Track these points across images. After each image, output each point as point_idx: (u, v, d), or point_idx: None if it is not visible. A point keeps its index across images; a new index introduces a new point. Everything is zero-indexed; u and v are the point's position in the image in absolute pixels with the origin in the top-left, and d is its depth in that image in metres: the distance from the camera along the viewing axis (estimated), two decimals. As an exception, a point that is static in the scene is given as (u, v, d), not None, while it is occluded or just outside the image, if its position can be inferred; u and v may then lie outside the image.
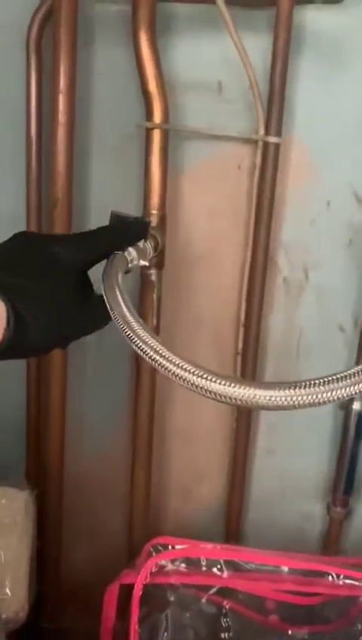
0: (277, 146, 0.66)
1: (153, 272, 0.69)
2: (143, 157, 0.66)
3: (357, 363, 0.72)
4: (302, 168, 0.70)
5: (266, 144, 0.66)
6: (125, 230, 0.50)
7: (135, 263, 0.54)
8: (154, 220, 0.67)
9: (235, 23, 0.61)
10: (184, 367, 0.38)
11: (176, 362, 0.38)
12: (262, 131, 0.66)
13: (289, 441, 0.80)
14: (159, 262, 0.69)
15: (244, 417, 0.77)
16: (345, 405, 0.73)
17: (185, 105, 0.69)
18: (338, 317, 0.74)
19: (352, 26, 0.65)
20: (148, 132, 0.65)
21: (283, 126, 0.67)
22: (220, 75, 0.68)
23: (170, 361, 0.38)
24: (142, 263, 0.55)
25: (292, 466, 0.80)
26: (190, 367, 0.38)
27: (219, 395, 0.37)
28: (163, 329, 0.73)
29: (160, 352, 0.39)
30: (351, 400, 0.73)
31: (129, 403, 0.76)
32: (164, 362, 0.38)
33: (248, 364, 0.74)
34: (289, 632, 0.76)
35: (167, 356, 0.38)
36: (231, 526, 0.82)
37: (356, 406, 0.72)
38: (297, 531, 0.83)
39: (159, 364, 0.38)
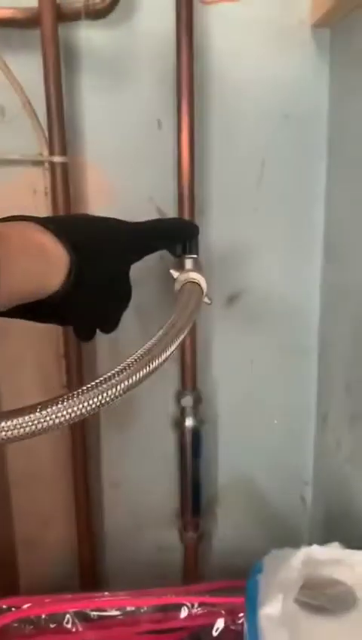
0: (64, 165, 0.64)
1: None
2: None
3: (184, 383, 0.70)
4: (99, 186, 0.68)
5: (53, 164, 0.63)
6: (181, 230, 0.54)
7: None
8: None
9: (1, 44, 0.58)
10: None
11: None
12: (46, 152, 0.63)
13: (133, 471, 0.76)
14: None
15: (80, 452, 0.72)
16: (179, 423, 0.71)
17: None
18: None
19: (124, 41, 0.65)
20: None
21: (73, 145, 0.65)
22: (1, 98, 0.65)
23: None
24: None
25: (141, 497, 0.76)
26: None
27: None
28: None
29: None
30: (183, 417, 0.70)
31: None
32: None
33: (75, 396, 0.70)
34: None
35: None
36: (85, 572, 0.76)
37: (188, 422, 0.70)
38: (158, 565, 0.79)
39: None
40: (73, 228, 0.42)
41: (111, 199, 0.68)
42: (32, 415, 0.32)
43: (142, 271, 0.69)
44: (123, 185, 0.68)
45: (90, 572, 0.76)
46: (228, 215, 0.69)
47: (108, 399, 0.36)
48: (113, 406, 0.36)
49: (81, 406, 0.34)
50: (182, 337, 0.42)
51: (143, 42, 0.65)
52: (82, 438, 0.71)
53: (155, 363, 0.39)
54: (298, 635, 0.46)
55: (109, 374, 0.36)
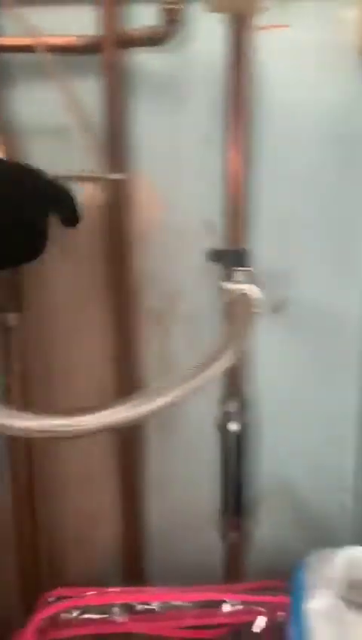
0: (120, 182, 0.68)
1: (12, 316, 0.68)
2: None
3: (229, 389, 0.73)
4: (152, 202, 0.72)
5: (110, 181, 0.68)
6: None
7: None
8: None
9: (64, 69, 0.63)
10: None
11: None
12: (104, 169, 0.68)
13: (179, 470, 0.79)
14: (17, 306, 0.68)
15: (127, 453, 0.76)
16: (223, 427, 0.74)
17: (31, 149, 0.70)
18: (206, 342, 0.75)
19: (181, 66, 0.69)
20: (-9, 178, 0.66)
21: (130, 163, 0.69)
22: (63, 119, 0.69)
23: None
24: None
25: (185, 497, 0.80)
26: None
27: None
28: (39, 376, 0.72)
29: None
30: (227, 421, 0.73)
31: (4, 450, 0.74)
32: None
33: (125, 399, 0.74)
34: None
35: None
36: (130, 568, 0.80)
37: (233, 427, 0.73)
38: (200, 564, 0.82)
39: None
40: None
41: (163, 214, 0.72)
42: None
43: (191, 282, 0.74)
44: (174, 200, 0.72)
45: (133, 570, 0.80)
46: (276, 230, 0.72)
47: (163, 407, 0.39)
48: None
49: (133, 412, 0.37)
50: (238, 350, 0.45)
51: (197, 66, 0.69)
52: (130, 438, 0.75)
53: (210, 375, 0.42)
54: (344, 629, 0.48)
55: (163, 385, 0.39)
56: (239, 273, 0.55)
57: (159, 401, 0.40)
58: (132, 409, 0.38)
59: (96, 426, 0.39)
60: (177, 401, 0.41)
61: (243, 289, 0.52)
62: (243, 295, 0.52)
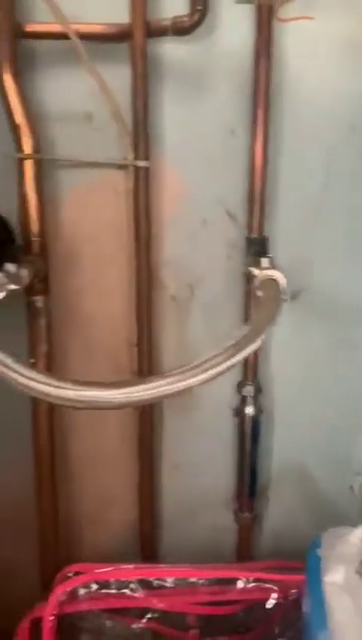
0: (146, 169, 0.69)
1: (39, 298, 0.70)
2: (18, 187, 0.68)
3: (246, 374, 0.75)
4: (175, 189, 0.73)
5: (136, 168, 0.69)
6: None
7: (6, 287, 0.55)
8: (34, 247, 0.69)
9: (90, 56, 0.63)
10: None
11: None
12: (131, 156, 0.69)
13: (194, 454, 0.81)
14: (44, 288, 0.70)
15: (147, 435, 0.77)
16: (239, 411, 0.76)
17: (57, 135, 0.71)
18: (224, 329, 0.77)
19: (205, 55, 0.70)
20: (20, 162, 0.67)
21: (154, 150, 0.70)
22: (89, 106, 0.71)
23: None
24: (13, 287, 0.56)
25: (199, 478, 0.82)
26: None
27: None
28: (58, 355, 0.74)
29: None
30: (244, 405, 0.75)
31: (28, 431, 0.76)
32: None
33: (144, 382, 0.76)
34: (211, 645, 0.76)
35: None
36: (145, 548, 0.82)
37: (249, 410, 0.75)
38: (213, 544, 0.84)
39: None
40: None
41: (186, 201, 0.73)
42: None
43: (208, 271, 0.75)
44: (196, 189, 0.73)
45: (149, 549, 0.82)
46: (294, 218, 0.74)
47: (198, 382, 0.41)
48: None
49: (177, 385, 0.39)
50: (265, 332, 0.47)
51: (223, 56, 0.70)
52: (150, 421, 0.77)
53: (242, 354, 0.44)
54: (360, 601, 0.51)
55: (199, 362, 0.41)
56: (266, 260, 0.56)
57: (191, 381, 0.42)
58: (167, 385, 0.40)
59: (126, 400, 0.41)
60: (208, 381, 0.43)
61: (271, 275, 0.54)
62: (271, 280, 0.54)
